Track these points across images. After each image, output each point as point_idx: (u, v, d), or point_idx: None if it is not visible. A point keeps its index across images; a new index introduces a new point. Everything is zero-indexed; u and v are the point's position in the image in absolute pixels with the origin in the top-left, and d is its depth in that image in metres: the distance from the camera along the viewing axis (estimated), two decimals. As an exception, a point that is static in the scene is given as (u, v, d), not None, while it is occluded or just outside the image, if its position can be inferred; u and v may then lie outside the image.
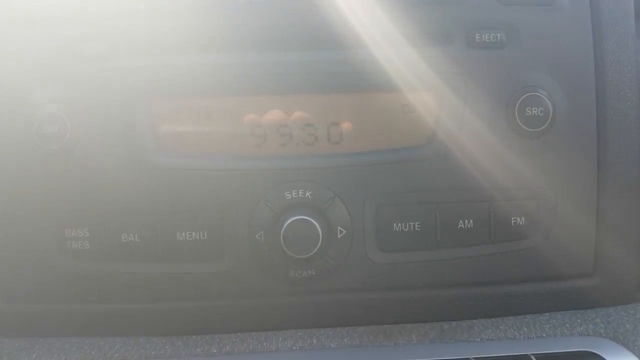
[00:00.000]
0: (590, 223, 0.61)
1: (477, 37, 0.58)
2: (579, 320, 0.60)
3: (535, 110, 0.58)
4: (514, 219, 0.60)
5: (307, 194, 0.57)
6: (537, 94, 0.58)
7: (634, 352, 0.56)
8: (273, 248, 0.57)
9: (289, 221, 0.56)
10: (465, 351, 0.54)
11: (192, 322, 0.59)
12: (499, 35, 0.59)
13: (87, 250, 0.57)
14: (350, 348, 0.55)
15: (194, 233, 0.58)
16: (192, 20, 0.57)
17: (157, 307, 0.59)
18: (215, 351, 0.55)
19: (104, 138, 0.56)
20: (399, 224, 0.59)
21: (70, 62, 0.57)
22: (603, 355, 0.55)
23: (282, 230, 0.56)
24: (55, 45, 0.57)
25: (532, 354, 0.54)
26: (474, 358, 0.53)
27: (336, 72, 0.58)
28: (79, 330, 0.58)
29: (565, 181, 0.60)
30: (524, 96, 0.58)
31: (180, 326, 0.59)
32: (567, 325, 0.59)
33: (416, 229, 0.59)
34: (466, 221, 0.59)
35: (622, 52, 0.61)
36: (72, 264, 0.58)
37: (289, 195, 0.57)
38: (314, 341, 0.56)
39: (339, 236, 0.58)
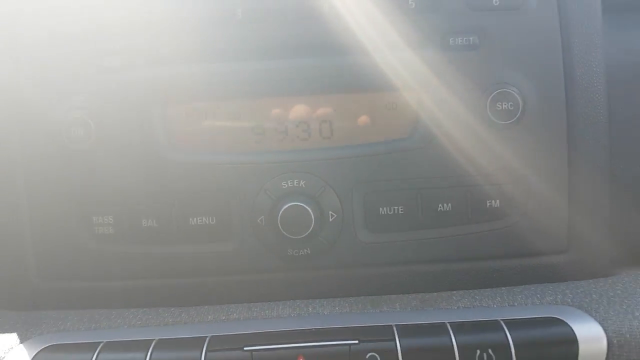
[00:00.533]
0: (563, 204, 0.67)
1: (451, 41, 0.65)
2: (549, 292, 0.65)
3: (505, 104, 0.64)
4: (489, 202, 0.66)
5: (302, 183, 0.65)
6: (507, 90, 0.64)
7: (595, 318, 0.61)
8: (272, 230, 0.64)
9: (285, 207, 0.63)
10: (442, 317, 0.61)
11: (204, 294, 0.66)
12: (471, 38, 0.65)
13: (112, 235, 0.65)
14: (340, 314, 0.63)
15: (204, 218, 0.65)
16: (197, 34, 0.64)
17: (173, 282, 0.66)
18: (224, 318, 0.63)
19: (124, 138, 0.64)
20: (385, 208, 0.66)
21: (93, 73, 0.64)
22: (566, 320, 0.60)
23: (279, 214, 0.63)
24: (80, 59, 0.65)
25: (502, 319, 0.60)
26: (448, 322, 0.60)
27: (326, 75, 0.65)
28: (105, 303, 0.66)
29: (537, 166, 0.66)
30: (495, 92, 0.64)
31: (194, 298, 0.66)
32: (538, 296, 0.65)
33: (400, 212, 0.66)
34: (445, 204, 0.66)
35: (590, 48, 0.66)
36: (99, 247, 0.66)
37: (285, 184, 0.65)
38: (310, 309, 0.63)
39: (330, 220, 0.65)
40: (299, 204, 0.64)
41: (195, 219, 0.65)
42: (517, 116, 0.64)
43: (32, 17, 0.65)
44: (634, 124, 0.70)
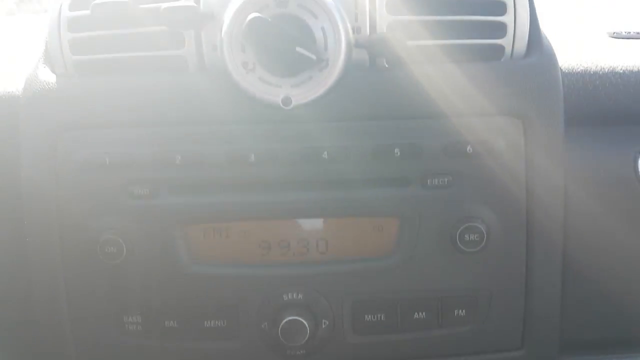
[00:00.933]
0: (519, 312, 0.79)
1: (428, 181, 0.75)
2: (500, 386, 0.79)
3: (472, 236, 0.75)
4: (456, 311, 0.79)
5: (299, 296, 0.77)
6: (474, 224, 0.75)
7: None
8: (273, 336, 0.77)
9: (284, 320, 0.75)
10: None
11: None
12: (446, 179, 0.75)
13: (140, 331, 0.78)
14: None
15: (217, 321, 0.77)
16: (214, 171, 0.75)
17: None
18: None
19: (151, 254, 0.75)
20: (369, 315, 0.78)
21: (123, 199, 0.75)
22: None
23: (280, 327, 0.75)
24: (112, 186, 0.74)
25: None
26: None
27: (324, 206, 0.76)
28: (135, 386, 0.80)
29: (498, 283, 0.78)
30: (463, 226, 0.75)
31: None
32: (490, 391, 0.79)
33: (382, 319, 0.78)
34: (420, 313, 0.79)
35: (551, 179, 0.76)
36: (129, 341, 0.78)
37: (285, 297, 0.77)
38: None
39: (323, 327, 0.78)
40: (297, 318, 0.76)
41: (209, 322, 0.77)
42: (482, 245, 0.75)
43: (70, 146, 0.75)
44: (587, 243, 0.81)
